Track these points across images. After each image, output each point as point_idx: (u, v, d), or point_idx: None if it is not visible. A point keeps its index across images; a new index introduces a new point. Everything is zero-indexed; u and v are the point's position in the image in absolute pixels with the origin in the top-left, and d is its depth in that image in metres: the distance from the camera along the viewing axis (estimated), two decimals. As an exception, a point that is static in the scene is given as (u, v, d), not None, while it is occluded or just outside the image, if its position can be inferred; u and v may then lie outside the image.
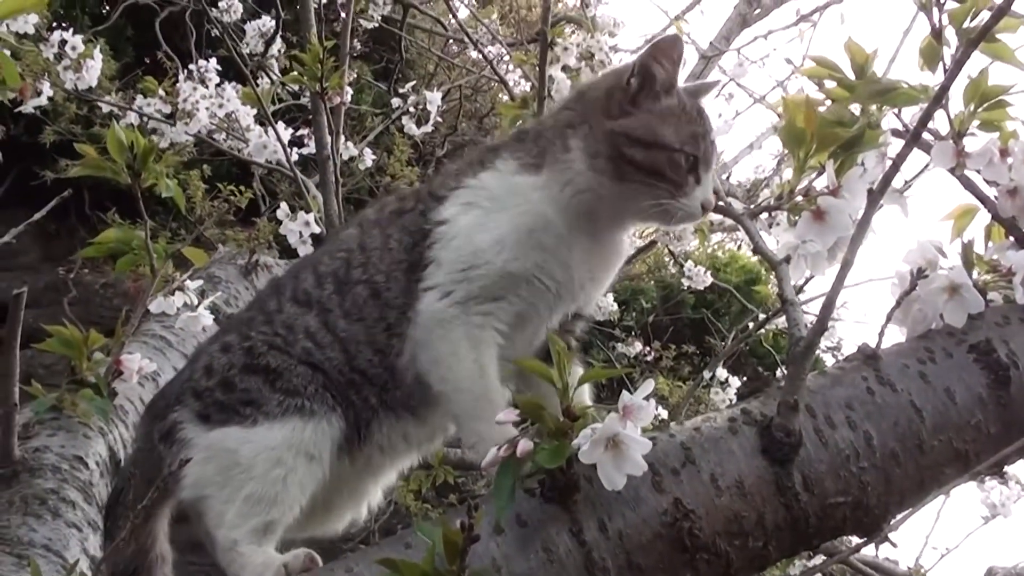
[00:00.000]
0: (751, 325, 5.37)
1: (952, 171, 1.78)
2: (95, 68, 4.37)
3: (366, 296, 1.72)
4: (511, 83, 4.76)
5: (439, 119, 5.75)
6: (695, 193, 1.67)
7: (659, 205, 1.66)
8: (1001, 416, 1.52)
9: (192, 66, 4.94)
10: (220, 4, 5.86)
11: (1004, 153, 1.72)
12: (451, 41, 7.67)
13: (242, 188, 5.90)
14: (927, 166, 1.77)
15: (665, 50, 1.68)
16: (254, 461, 1.60)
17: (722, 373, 5.30)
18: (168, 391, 1.84)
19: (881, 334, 1.58)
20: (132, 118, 4.60)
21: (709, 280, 5.02)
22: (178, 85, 4.60)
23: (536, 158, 1.72)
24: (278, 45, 5.55)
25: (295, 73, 3.38)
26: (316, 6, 4.22)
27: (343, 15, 3.80)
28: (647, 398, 1.34)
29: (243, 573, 1.56)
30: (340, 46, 3.48)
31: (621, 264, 1.83)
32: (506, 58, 5.36)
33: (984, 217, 1.81)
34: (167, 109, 4.56)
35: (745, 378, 6.17)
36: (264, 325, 1.77)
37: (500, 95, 7.51)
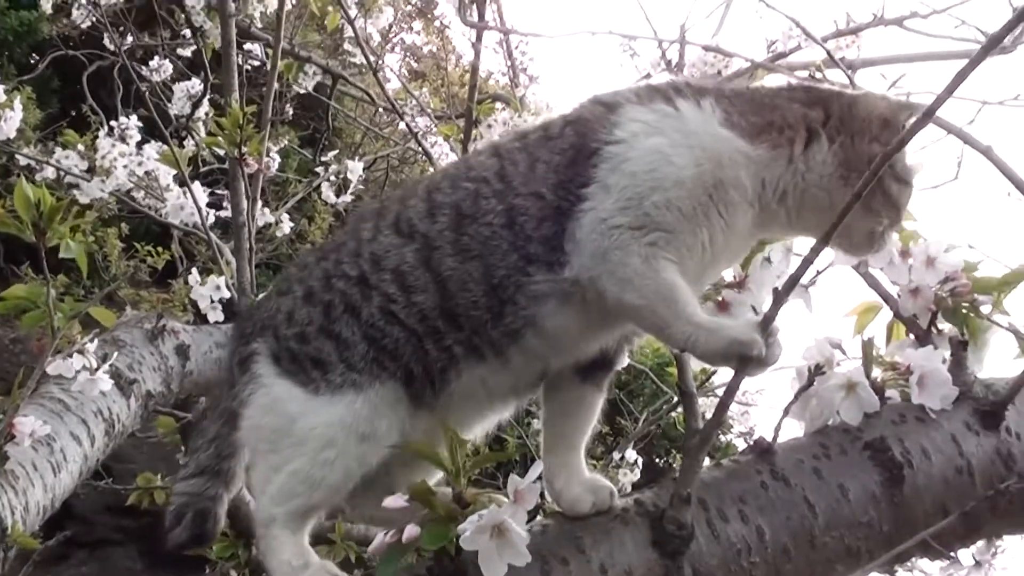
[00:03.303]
0: (665, 407, 5.39)
1: (856, 268, 1.81)
2: (14, 120, 4.25)
3: (497, 227, 1.57)
4: (438, 155, 4.76)
5: (363, 188, 5.73)
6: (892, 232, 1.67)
7: (874, 234, 1.62)
8: (894, 514, 1.53)
9: (113, 122, 4.88)
10: (151, 63, 5.83)
11: (905, 254, 1.76)
12: (380, 111, 7.69)
13: (159, 249, 5.82)
14: (831, 263, 1.79)
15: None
16: (308, 436, 1.58)
17: (631, 455, 5.31)
18: (257, 316, 1.79)
19: (777, 429, 1.59)
20: (50, 171, 4.53)
21: (625, 361, 5.04)
22: (98, 141, 4.54)
23: (751, 125, 1.59)
24: (205, 108, 5.50)
25: (215, 137, 3.34)
26: (248, 70, 4.20)
27: (268, 81, 3.78)
28: (536, 480, 1.33)
29: (269, 559, 1.59)
30: (262, 112, 3.46)
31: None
32: (435, 130, 5.36)
33: (887, 314, 1.84)
34: (84, 164, 4.49)
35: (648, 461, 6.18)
36: (350, 260, 1.66)
37: (426, 167, 7.52)
